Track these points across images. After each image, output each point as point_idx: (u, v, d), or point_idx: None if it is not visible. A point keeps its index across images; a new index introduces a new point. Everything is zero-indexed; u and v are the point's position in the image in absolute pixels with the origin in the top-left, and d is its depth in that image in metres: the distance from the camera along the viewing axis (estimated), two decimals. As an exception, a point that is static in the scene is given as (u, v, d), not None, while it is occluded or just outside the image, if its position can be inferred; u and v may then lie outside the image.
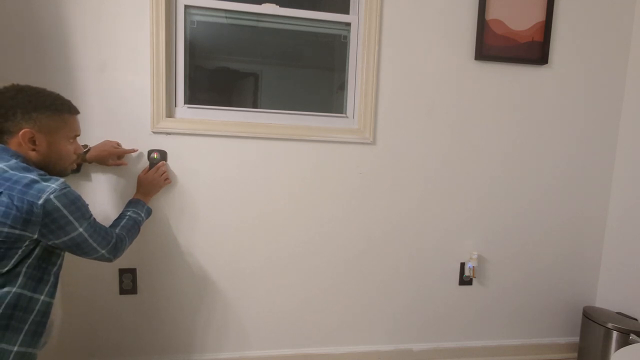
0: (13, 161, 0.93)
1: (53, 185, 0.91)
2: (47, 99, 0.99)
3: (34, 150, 0.98)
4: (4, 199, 0.86)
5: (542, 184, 1.72)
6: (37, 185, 0.89)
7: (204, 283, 1.53)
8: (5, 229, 0.86)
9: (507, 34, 1.60)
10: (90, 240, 1.01)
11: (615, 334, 1.56)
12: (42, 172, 0.95)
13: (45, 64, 1.34)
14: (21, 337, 0.91)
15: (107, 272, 1.46)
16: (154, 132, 1.43)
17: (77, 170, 1.36)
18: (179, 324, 1.54)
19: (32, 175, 0.91)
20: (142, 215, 1.32)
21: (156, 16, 1.38)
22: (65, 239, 0.95)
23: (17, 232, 0.87)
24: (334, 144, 1.56)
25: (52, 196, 0.90)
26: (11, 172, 0.90)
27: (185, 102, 1.51)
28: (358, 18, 1.56)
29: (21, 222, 0.87)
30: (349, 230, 1.61)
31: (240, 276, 1.55)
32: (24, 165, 0.94)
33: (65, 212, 0.93)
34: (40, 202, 0.88)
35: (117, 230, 1.17)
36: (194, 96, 1.54)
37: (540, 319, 1.81)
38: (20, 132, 0.95)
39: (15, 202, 0.86)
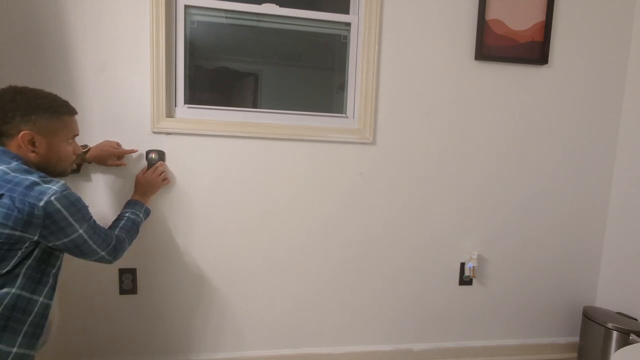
0: (14, 163, 0.93)
1: (54, 187, 0.92)
2: (45, 100, 0.99)
3: (33, 152, 0.98)
4: (6, 200, 0.86)
5: (542, 184, 1.72)
6: (38, 187, 0.90)
7: (203, 283, 1.53)
8: (6, 231, 0.86)
9: (507, 34, 1.60)
10: (90, 242, 1.02)
11: (615, 334, 1.55)
12: (42, 174, 0.95)
13: (45, 64, 1.34)
14: (20, 338, 0.91)
15: (107, 272, 1.45)
16: (154, 132, 1.43)
17: (77, 170, 1.36)
18: (179, 323, 1.54)
19: (34, 177, 0.91)
20: (141, 216, 1.32)
21: (156, 16, 1.38)
22: (65, 240, 0.96)
23: (17, 233, 0.88)
24: (334, 144, 1.56)
25: (52, 198, 0.90)
26: (12, 174, 0.90)
27: (185, 102, 1.51)
28: (358, 18, 1.56)
29: (22, 224, 0.87)
30: (348, 230, 1.61)
31: (239, 276, 1.55)
32: (25, 167, 0.94)
33: (65, 213, 0.93)
34: (41, 204, 0.89)
35: (116, 232, 1.17)
36: (194, 96, 1.54)
37: (540, 319, 1.81)
38: (20, 135, 0.95)
39: (16, 204, 0.86)
